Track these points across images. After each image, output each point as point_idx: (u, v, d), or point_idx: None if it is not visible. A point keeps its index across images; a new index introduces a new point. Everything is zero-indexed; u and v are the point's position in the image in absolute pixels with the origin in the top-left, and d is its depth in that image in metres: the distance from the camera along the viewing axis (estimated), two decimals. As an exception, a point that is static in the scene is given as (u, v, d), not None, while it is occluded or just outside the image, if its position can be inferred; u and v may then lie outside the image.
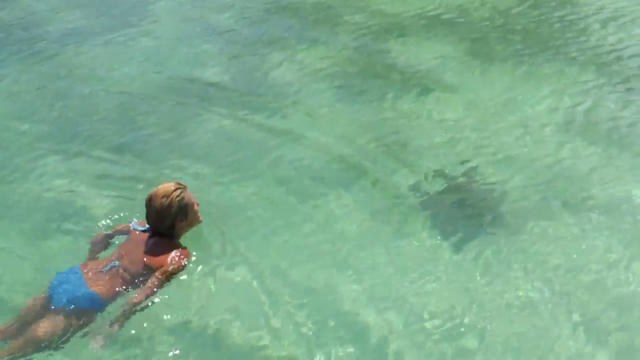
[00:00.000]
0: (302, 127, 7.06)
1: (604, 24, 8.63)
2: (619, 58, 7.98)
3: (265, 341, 4.94)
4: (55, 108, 7.49)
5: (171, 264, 5.03)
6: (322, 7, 9.34)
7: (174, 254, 5.06)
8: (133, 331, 4.91)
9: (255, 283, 5.30)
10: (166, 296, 5.04)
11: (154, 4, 9.58)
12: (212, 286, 5.23)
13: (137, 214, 5.55)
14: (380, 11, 9.18)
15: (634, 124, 6.92)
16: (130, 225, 5.34)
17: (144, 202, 5.21)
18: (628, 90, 7.42)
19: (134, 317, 4.92)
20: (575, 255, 5.55)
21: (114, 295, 4.94)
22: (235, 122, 7.18)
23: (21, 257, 5.51)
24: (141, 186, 6.15)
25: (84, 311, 4.84)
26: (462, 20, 8.89)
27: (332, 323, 5.05)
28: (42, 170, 6.52)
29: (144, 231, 5.22)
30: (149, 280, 4.97)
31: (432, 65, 8.01)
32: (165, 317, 5.01)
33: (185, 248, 5.20)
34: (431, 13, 9.08)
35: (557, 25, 8.69)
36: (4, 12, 9.52)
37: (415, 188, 6.27)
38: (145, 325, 4.95)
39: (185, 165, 6.55)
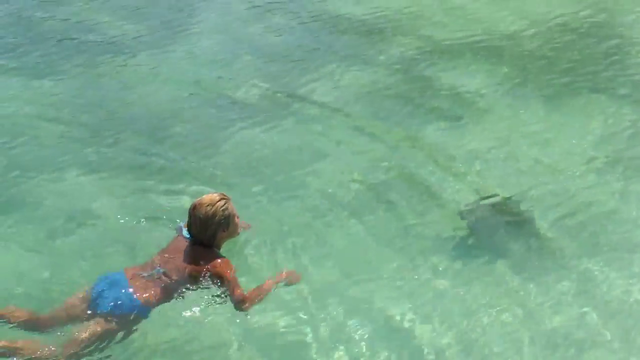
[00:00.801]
0: (328, 148, 7.04)
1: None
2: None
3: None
4: (92, 114, 7.59)
5: (220, 268, 5.09)
6: (368, 27, 9.29)
7: (219, 260, 5.12)
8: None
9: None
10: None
11: (200, 17, 9.67)
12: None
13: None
14: (426, 35, 9.09)
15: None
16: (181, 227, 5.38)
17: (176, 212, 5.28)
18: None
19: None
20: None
21: (159, 303, 5.00)
22: (266, 138, 7.19)
23: (48, 255, 5.62)
24: (173, 197, 6.29)
25: (129, 317, 4.90)
26: (508, 48, 8.73)
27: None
28: (69, 176, 6.60)
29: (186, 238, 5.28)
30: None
31: (470, 94, 7.88)
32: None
33: (226, 258, 5.22)
34: (477, 39, 8.95)
35: (602, 58, 8.48)
36: (61, 17, 9.70)
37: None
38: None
39: (212, 179, 6.59)
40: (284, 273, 5.34)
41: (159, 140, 7.16)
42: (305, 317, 5.24)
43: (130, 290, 4.94)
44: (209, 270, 5.09)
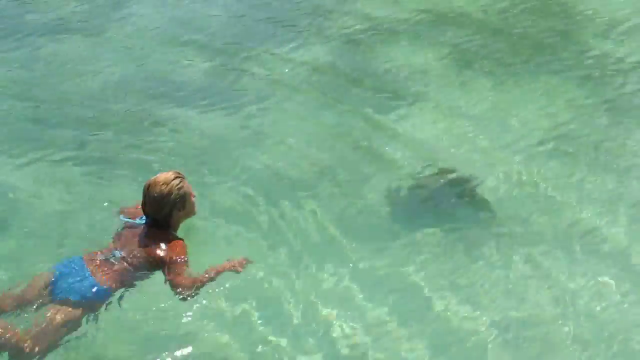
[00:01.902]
0: (271, 132, 6.91)
1: (600, 34, 8.25)
2: (603, 70, 7.63)
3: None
4: (27, 97, 7.41)
5: (171, 250, 5.00)
6: (310, 9, 9.07)
7: (173, 242, 5.02)
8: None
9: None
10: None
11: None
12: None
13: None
14: (369, 14, 8.89)
15: (620, 147, 6.60)
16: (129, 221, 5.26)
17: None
18: (614, 109, 7.07)
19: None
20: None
21: (118, 287, 4.95)
22: (207, 123, 7.04)
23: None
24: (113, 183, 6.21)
25: (91, 303, 4.85)
26: (453, 26, 8.55)
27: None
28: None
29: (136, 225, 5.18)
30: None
31: (414, 75, 7.73)
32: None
33: (182, 239, 5.13)
34: (422, 17, 8.76)
35: (555, 34, 8.32)
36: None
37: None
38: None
39: (154, 164, 6.40)
40: (228, 262, 5.19)
41: (96, 126, 6.99)
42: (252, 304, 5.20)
43: (89, 274, 4.88)
44: (162, 253, 4.98)
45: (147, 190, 5.04)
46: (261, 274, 5.35)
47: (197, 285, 4.97)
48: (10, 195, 6.09)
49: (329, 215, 5.93)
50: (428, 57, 7.99)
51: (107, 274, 4.93)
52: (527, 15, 8.66)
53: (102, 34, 8.48)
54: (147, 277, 5.07)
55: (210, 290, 5.08)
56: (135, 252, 5.02)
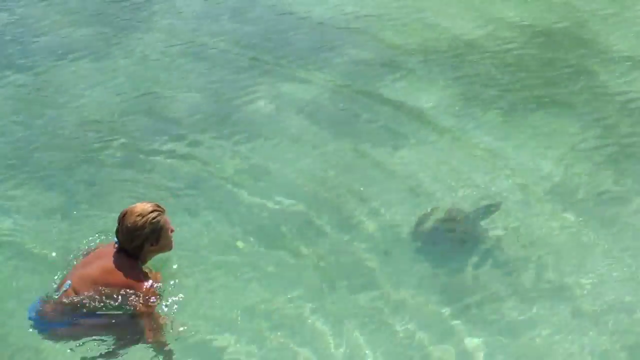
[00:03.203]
0: (267, 163, 6.76)
1: (622, 73, 7.89)
2: (614, 111, 7.30)
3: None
4: (16, 128, 7.32)
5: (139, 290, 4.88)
6: (320, 33, 8.89)
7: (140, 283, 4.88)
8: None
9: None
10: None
11: (149, 20, 9.27)
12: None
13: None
14: (382, 41, 8.66)
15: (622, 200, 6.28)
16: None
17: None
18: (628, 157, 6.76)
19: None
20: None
21: (57, 318, 4.86)
22: (202, 155, 6.91)
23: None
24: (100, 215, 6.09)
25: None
26: (466, 58, 8.28)
27: None
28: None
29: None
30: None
31: (421, 109, 7.47)
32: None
33: (146, 274, 4.97)
34: (435, 47, 8.50)
35: (566, 71, 8.00)
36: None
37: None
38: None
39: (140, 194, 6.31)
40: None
41: (87, 153, 6.93)
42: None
43: (37, 309, 4.91)
44: (123, 285, 4.83)
45: (122, 219, 4.88)
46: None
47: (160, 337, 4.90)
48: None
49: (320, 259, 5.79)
50: (435, 90, 7.75)
51: (52, 305, 4.89)
52: (542, 50, 8.37)
53: (104, 61, 8.38)
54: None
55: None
56: (87, 279, 4.87)
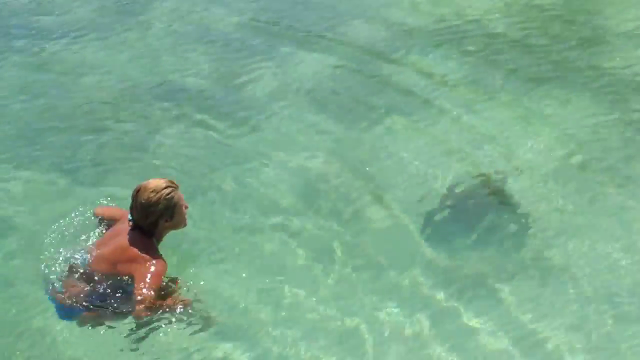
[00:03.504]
0: (268, 146, 6.68)
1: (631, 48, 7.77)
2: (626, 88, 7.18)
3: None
4: (29, 103, 7.32)
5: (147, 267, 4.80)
6: (328, 16, 8.77)
7: (153, 261, 4.80)
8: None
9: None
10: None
11: (158, 2, 9.20)
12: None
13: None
14: (388, 21, 8.56)
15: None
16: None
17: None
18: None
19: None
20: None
21: (80, 303, 4.80)
22: (204, 133, 6.88)
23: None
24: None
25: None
26: (474, 35, 8.17)
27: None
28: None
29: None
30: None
31: (433, 85, 7.41)
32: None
33: (161, 258, 4.89)
34: (442, 25, 8.40)
35: (578, 48, 7.87)
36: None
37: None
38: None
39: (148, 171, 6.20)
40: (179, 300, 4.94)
41: (95, 135, 6.87)
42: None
43: (58, 296, 4.83)
44: (138, 261, 4.79)
45: (136, 195, 4.83)
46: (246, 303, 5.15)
47: (154, 308, 4.79)
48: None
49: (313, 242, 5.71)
50: (448, 67, 7.68)
51: (72, 290, 4.82)
52: (553, 28, 8.26)
53: (113, 39, 8.38)
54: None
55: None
56: (106, 258, 4.84)
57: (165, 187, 4.81)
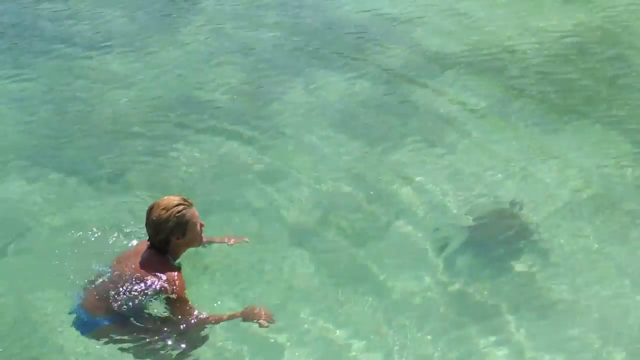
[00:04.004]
0: (291, 164, 6.72)
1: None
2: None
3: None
4: (55, 114, 7.42)
5: (167, 282, 4.81)
6: (362, 30, 8.86)
7: (169, 274, 4.82)
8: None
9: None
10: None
11: (190, 14, 9.36)
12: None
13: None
14: (420, 44, 8.60)
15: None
16: None
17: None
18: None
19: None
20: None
21: (107, 313, 4.81)
22: (229, 149, 6.94)
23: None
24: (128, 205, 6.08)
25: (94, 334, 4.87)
26: (503, 65, 8.16)
27: None
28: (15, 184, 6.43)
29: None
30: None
31: (459, 113, 7.40)
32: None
33: (179, 269, 4.91)
34: (473, 52, 8.41)
35: (606, 82, 7.83)
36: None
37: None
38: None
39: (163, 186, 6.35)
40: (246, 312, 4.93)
41: (117, 144, 6.99)
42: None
43: (81, 308, 4.85)
44: (155, 279, 4.79)
45: (149, 212, 4.86)
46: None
47: (199, 322, 4.83)
48: (20, 208, 6.12)
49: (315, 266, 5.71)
50: (474, 95, 7.66)
51: (94, 301, 4.85)
52: (585, 60, 8.22)
53: (141, 52, 8.50)
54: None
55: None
56: (124, 274, 4.85)
57: (177, 205, 4.82)
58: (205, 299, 5.16)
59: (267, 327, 4.83)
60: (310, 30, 8.93)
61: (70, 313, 4.89)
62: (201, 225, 4.98)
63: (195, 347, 4.88)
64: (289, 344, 5.05)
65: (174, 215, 4.79)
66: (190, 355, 4.85)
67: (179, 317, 4.80)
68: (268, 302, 5.19)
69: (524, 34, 8.70)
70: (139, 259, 4.89)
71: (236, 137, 7.05)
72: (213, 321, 4.89)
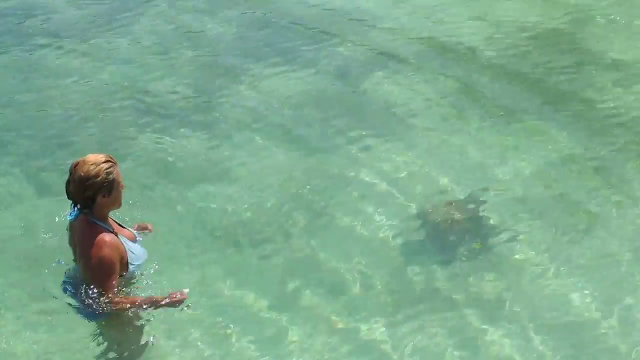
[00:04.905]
0: (238, 160, 6.66)
1: (615, 81, 7.65)
2: (606, 123, 7.06)
3: None
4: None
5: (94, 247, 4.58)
6: (318, 25, 8.78)
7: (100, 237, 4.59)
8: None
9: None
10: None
11: (146, 8, 9.23)
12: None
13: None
14: (375, 39, 8.52)
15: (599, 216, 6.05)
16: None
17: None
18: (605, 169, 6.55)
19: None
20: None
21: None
22: (175, 144, 6.88)
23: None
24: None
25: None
26: (459, 61, 8.09)
27: None
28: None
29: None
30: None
31: (406, 110, 7.34)
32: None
33: (108, 230, 4.67)
34: (427, 49, 8.32)
35: (560, 75, 7.78)
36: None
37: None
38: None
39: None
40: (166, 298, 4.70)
41: (66, 138, 6.94)
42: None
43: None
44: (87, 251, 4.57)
45: (74, 169, 4.61)
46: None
47: (122, 305, 4.59)
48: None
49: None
50: (428, 91, 7.60)
51: None
52: (541, 56, 8.15)
53: (94, 45, 8.43)
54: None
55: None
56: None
57: (105, 161, 4.63)
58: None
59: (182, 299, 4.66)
60: (265, 25, 8.86)
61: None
62: (122, 187, 4.79)
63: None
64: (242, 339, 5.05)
65: (104, 171, 4.57)
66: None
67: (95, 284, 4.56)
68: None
69: (481, 27, 8.64)
70: (76, 234, 4.72)
71: (183, 134, 7.01)
72: (129, 304, 4.62)
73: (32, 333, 5.04)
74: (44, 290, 5.02)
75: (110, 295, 4.53)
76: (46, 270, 5.09)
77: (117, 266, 4.58)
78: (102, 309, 4.54)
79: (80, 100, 7.45)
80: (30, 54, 8.24)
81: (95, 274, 4.53)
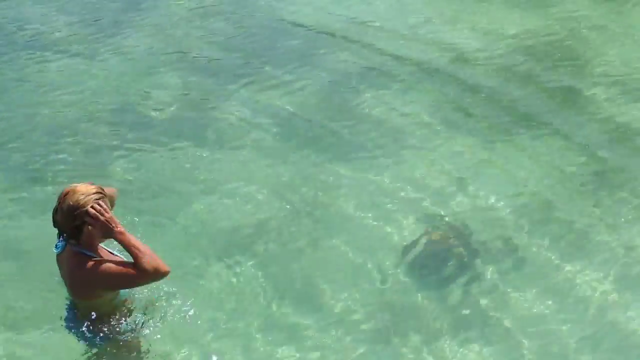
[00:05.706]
0: (224, 175, 6.65)
1: (608, 98, 7.58)
2: (599, 138, 7.03)
3: None
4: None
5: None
6: (312, 36, 8.74)
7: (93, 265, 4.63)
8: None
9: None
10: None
11: (139, 18, 9.20)
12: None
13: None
14: (373, 50, 8.47)
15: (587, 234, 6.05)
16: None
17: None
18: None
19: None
20: None
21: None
22: (163, 159, 6.87)
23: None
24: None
25: None
26: (453, 72, 8.04)
27: None
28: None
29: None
30: None
31: (396, 124, 7.31)
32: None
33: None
34: (422, 59, 8.27)
35: (553, 90, 7.74)
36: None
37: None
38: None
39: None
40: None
41: (53, 152, 6.90)
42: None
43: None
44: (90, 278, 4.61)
45: (63, 198, 4.61)
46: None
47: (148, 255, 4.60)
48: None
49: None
50: (417, 107, 7.55)
51: None
52: (537, 69, 8.10)
53: (83, 58, 8.38)
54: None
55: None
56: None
57: (96, 192, 4.64)
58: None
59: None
60: (258, 36, 8.80)
61: None
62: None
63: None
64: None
65: (93, 202, 4.56)
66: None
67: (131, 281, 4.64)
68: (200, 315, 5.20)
69: (469, 42, 8.59)
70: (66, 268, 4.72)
71: (174, 147, 6.98)
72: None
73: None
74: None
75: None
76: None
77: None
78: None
79: (68, 114, 7.42)
80: (18, 66, 8.21)
81: (106, 280, 4.61)
